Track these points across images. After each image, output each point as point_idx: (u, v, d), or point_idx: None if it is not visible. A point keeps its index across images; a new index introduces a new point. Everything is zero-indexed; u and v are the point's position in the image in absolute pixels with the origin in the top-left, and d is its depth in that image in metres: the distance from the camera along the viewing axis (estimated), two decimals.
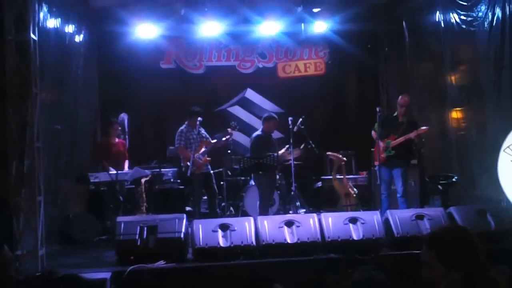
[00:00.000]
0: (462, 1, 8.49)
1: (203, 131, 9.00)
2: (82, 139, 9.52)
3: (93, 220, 8.58)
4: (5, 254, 3.24)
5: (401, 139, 8.16)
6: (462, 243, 2.62)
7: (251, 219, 6.75)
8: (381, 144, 8.31)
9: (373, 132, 8.57)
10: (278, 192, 9.64)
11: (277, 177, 9.41)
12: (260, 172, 8.76)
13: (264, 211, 8.55)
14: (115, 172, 8.16)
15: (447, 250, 2.58)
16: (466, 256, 2.57)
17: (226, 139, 8.98)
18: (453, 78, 9.25)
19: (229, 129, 9.01)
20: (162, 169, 9.90)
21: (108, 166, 8.52)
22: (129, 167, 8.98)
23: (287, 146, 9.04)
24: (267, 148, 8.75)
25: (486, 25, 7.89)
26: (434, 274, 2.58)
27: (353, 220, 6.64)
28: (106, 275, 5.72)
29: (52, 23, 8.22)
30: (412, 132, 8.15)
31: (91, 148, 10.06)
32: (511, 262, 5.45)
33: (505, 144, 7.08)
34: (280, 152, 8.88)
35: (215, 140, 8.94)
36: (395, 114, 8.46)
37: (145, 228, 6.42)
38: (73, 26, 9.31)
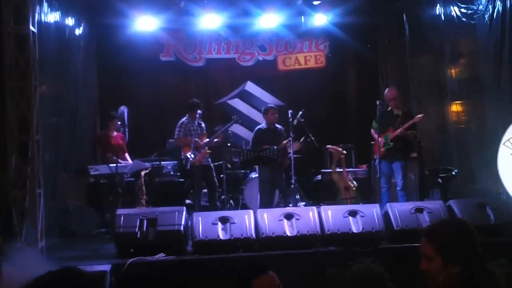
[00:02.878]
0: None
1: (203, 124, 9.01)
2: (81, 132, 9.51)
3: (92, 213, 8.58)
4: None
5: (400, 130, 8.16)
6: (461, 236, 2.62)
7: (251, 212, 6.76)
8: (381, 139, 8.30)
9: (372, 130, 8.58)
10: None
11: (280, 173, 9.41)
12: (262, 166, 8.80)
13: (263, 204, 8.56)
14: (116, 164, 8.17)
15: (446, 243, 2.58)
16: (465, 249, 2.58)
17: (216, 142, 9.01)
18: (453, 71, 9.25)
19: (219, 132, 9.12)
20: (162, 162, 9.90)
21: (113, 157, 8.50)
22: (132, 158, 9.02)
23: (290, 138, 9.10)
24: (268, 141, 8.77)
25: (486, 18, 7.88)
26: (432, 267, 2.59)
27: (353, 213, 6.65)
28: (106, 267, 5.74)
29: (52, 16, 8.19)
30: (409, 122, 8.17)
31: (90, 141, 10.06)
32: (510, 255, 5.48)
33: (505, 137, 7.09)
34: (283, 142, 8.89)
35: (208, 140, 8.93)
36: (389, 108, 8.48)
37: (145, 221, 6.43)
38: (73, 19, 9.28)
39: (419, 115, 8.27)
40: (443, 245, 2.58)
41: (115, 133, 9.10)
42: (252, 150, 8.64)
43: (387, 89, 8.77)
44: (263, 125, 9.16)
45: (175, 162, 9.98)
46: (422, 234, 2.71)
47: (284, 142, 8.90)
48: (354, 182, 9.10)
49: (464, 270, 2.53)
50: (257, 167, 9.23)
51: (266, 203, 8.67)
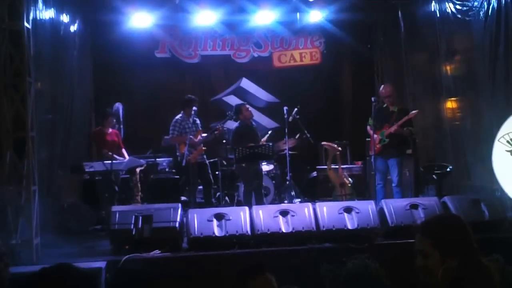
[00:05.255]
0: None
1: (198, 120, 9.00)
2: (76, 129, 9.49)
3: (87, 210, 8.57)
4: None
5: (394, 127, 8.17)
6: (457, 231, 2.63)
7: (246, 208, 6.75)
8: (376, 136, 8.31)
9: (368, 127, 8.58)
10: (273, 181, 9.66)
11: (272, 167, 9.43)
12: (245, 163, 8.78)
13: (247, 201, 8.51)
14: (111, 161, 8.16)
15: (443, 237, 2.59)
16: (461, 244, 2.59)
17: (215, 135, 8.99)
18: (448, 68, 9.26)
19: (219, 125, 9.09)
20: (157, 159, 9.89)
21: (108, 153, 8.47)
22: (128, 155, 9.02)
23: (269, 132, 9.12)
24: (248, 139, 8.73)
25: (481, 15, 7.89)
26: (429, 262, 2.58)
27: (348, 210, 6.66)
28: (101, 264, 5.73)
29: (47, 13, 8.16)
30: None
31: (85, 138, 10.04)
32: (505, 251, 5.51)
33: (500, 133, 7.09)
34: (263, 139, 8.90)
35: (205, 134, 8.93)
36: (385, 105, 8.48)
37: (140, 218, 6.42)
38: (68, 16, 9.25)
39: (413, 111, 8.29)
40: (440, 239, 2.58)
41: (110, 130, 9.08)
42: (248, 146, 8.63)
43: (382, 86, 8.77)
44: (238, 124, 9.03)
45: (170, 159, 9.97)
46: (416, 230, 2.71)
47: (264, 138, 8.93)
48: (349, 179, 9.12)
49: (461, 264, 2.53)
50: (235, 166, 9.13)
51: (257, 200, 8.64)
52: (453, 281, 2.51)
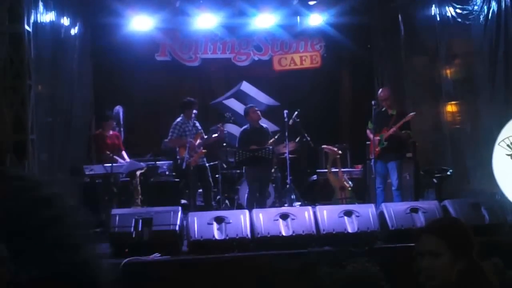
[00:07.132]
0: None
1: (198, 124, 8.99)
2: (76, 131, 9.49)
3: (87, 213, 8.53)
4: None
5: (393, 129, 8.19)
6: (467, 232, 2.66)
7: (246, 212, 6.75)
8: (376, 139, 8.32)
9: (368, 131, 8.60)
10: (273, 185, 9.65)
11: (273, 170, 9.44)
12: (246, 166, 8.77)
13: (250, 205, 8.52)
14: (112, 164, 8.16)
15: (458, 237, 2.61)
16: (471, 245, 2.61)
17: (217, 136, 8.98)
18: (447, 71, 9.28)
19: (219, 125, 9.05)
20: (157, 162, 9.87)
21: (110, 154, 8.47)
22: (129, 157, 9.01)
23: (277, 135, 9.11)
24: (255, 141, 8.73)
25: (481, 19, 7.91)
26: (440, 263, 2.57)
27: (348, 213, 6.65)
28: None
29: (47, 16, 8.18)
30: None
31: (85, 141, 10.04)
32: (505, 255, 5.49)
33: (500, 137, 7.10)
34: (270, 141, 8.90)
35: (206, 137, 8.92)
36: (384, 108, 8.50)
37: (140, 221, 6.41)
38: (68, 19, 9.26)
39: (410, 114, 8.32)
40: (454, 240, 2.59)
41: (110, 132, 9.09)
42: (248, 149, 8.62)
43: (380, 90, 8.81)
44: (246, 126, 9.09)
45: (171, 162, 9.95)
46: (428, 230, 2.71)
47: (271, 141, 8.90)
48: (350, 182, 9.11)
49: (467, 266, 2.54)
50: (244, 168, 9.17)
51: (258, 203, 8.64)
52: (458, 283, 2.52)
